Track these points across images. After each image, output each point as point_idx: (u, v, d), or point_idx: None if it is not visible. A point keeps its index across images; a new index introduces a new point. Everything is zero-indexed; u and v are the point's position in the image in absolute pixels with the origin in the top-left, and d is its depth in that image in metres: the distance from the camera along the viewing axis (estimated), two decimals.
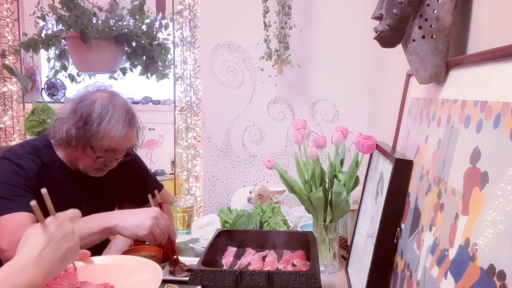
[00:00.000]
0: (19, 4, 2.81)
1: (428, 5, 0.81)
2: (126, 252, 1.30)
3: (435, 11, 0.79)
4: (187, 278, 1.00)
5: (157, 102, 3.29)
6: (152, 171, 2.51)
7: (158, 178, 2.04)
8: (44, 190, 0.78)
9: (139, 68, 2.73)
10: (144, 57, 2.66)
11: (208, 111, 2.31)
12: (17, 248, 0.74)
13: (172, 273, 1.19)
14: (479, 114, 0.63)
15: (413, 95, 1.07)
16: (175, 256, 1.25)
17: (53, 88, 3.45)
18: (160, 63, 2.70)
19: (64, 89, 3.47)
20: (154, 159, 3.26)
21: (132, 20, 2.56)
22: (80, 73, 2.83)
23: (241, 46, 2.21)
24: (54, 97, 3.46)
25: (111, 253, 1.35)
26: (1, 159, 1.29)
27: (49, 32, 2.58)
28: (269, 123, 2.25)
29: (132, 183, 1.55)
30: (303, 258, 1.13)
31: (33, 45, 2.53)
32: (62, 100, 3.41)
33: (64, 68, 2.76)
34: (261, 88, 2.22)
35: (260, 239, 1.21)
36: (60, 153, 1.38)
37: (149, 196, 1.36)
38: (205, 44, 2.27)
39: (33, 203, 0.75)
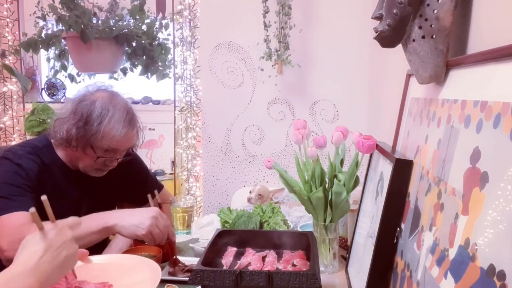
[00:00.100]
0: (19, 4, 2.81)
1: (428, 5, 0.81)
2: (126, 252, 1.30)
3: (435, 11, 0.79)
4: (187, 278, 1.00)
5: (157, 102, 3.29)
6: (152, 171, 2.51)
7: (158, 178, 2.04)
8: (44, 197, 0.78)
9: (139, 68, 2.74)
10: (144, 57, 2.66)
11: (208, 111, 2.31)
12: (16, 253, 0.74)
13: (172, 273, 1.19)
14: (479, 114, 0.63)
15: (413, 95, 1.07)
16: (175, 257, 1.25)
17: (53, 88, 3.45)
18: (160, 63, 2.71)
19: (64, 89, 3.48)
20: (154, 159, 3.26)
21: (132, 20, 2.56)
22: (80, 73, 2.83)
23: (241, 46, 2.21)
24: (54, 97, 3.46)
25: (111, 253, 1.35)
26: (1, 159, 1.29)
27: (49, 32, 2.58)
28: (269, 123, 2.25)
29: (132, 183, 1.55)
30: (303, 258, 1.13)
31: (33, 45, 2.53)
32: (62, 100, 3.41)
33: (64, 68, 2.76)
34: (261, 88, 2.22)
35: (260, 239, 1.21)
36: (60, 153, 1.38)
37: (149, 196, 1.36)
38: (205, 44, 2.27)
39: (32, 210, 0.75)
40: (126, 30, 2.50)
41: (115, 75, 2.83)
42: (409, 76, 1.14)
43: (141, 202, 1.52)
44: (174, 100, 2.51)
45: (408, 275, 0.81)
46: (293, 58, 2.09)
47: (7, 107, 2.83)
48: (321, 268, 1.21)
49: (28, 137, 2.65)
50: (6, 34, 2.75)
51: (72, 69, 2.81)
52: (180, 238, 1.48)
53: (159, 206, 1.36)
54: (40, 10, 2.55)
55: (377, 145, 1.17)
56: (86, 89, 1.38)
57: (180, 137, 2.48)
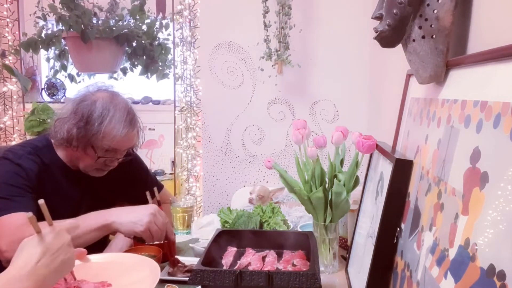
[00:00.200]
0: (19, 4, 2.81)
1: (428, 5, 0.81)
2: (126, 252, 1.30)
3: (435, 11, 0.79)
4: (187, 278, 1.00)
5: (157, 102, 3.29)
6: (152, 171, 2.52)
7: (158, 178, 2.04)
8: (41, 201, 0.78)
9: (139, 68, 2.74)
10: (144, 57, 2.66)
11: (208, 111, 2.31)
12: (13, 257, 0.74)
13: (172, 273, 1.19)
14: (479, 114, 0.63)
15: (413, 95, 1.07)
16: (175, 256, 1.25)
17: (53, 88, 3.45)
18: (160, 63, 2.71)
19: (64, 89, 3.48)
20: (154, 159, 3.26)
21: (132, 20, 2.56)
22: (79, 73, 2.83)
23: (241, 46, 2.21)
24: (54, 97, 3.46)
25: (111, 252, 1.35)
26: (1, 159, 1.29)
27: (49, 32, 2.58)
28: (269, 123, 2.25)
29: (132, 183, 1.55)
30: (303, 258, 1.13)
31: (33, 45, 2.53)
32: (62, 100, 3.41)
33: (63, 68, 2.76)
34: (261, 88, 2.22)
35: (260, 239, 1.21)
36: (60, 153, 1.38)
37: (147, 193, 1.36)
38: (205, 44, 2.27)
39: (29, 214, 0.75)
40: (127, 30, 2.50)
41: (115, 75, 2.83)
42: (409, 76, 1.14)
43: (141, 202, 1.52)
44: (174, 100, 2.51)
45: (408, 275, 0.81)
46: (293, 58, 2.09)
47: (7, 107, 2.83)
48: (321, 268, 1.21)
49: (28, 137, 2.65)
50: (6, 34, 2.75)
51: (72, 69, 2.81)
52: (180, 238, 1.48)
53: (158, 203, 1.36)
54: (41, 10, 2.55)
55: (377, 145, 1.17)
56: (87, 89, 1.38)
57: (180, 137, 2.48)
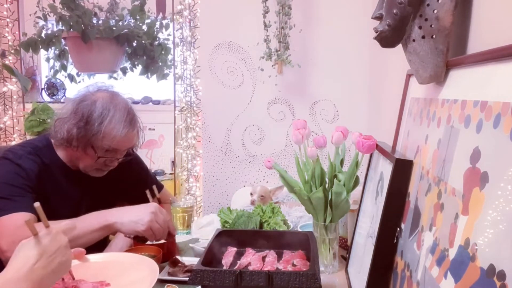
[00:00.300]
0: (19, 4, 2.81)
1: (428, 5, 0.81)
2: (125, 252, 1.30)
3: (435, 11, 0.79)
4: (187, 278, 1.00)
5: (157, 102, 3.29)
6: (152, 171, 2.51)
7: (158, 178, 2.04)
8: (37, 204, 0.78)
9: (139, 68, 2.74)
10: (144, 57, 2.66)
11: (208, 111, 2.31)
12: (10, 259, 0.74)
13: (172, 273, 1.19)
14: (479, 114, 0.63)
15: (413, 95, 1.07)
16: (175, 257, 1.25)
17: (53, 88, 3.45)
18: (160, 63, 2.71)
19: (64, 89, 3.47)
20: (154, 159, 3.26)
21: (132, 20, 2.56)
22: (79, 73, 2.83)
23: (241, 46, 2.21)
24: (54, 97, 3.46)
25: (111, 252, 1.35)
26: (1, 159, 1.29)
27: (49, 32, 2.58)
28: (269, 123, 2.25)
29: (132, 183, 1.55)
30: (303, 258, 1.13)
31: (33, 45, 2.53)
32: (62, 100, 3.41)
33: (63, 68, 2.76)
34: (261, 88, 2.22)
35: (260, 239, 1.21)
36: (60, 153, 1.38)
37: (147, 192, 1.36)
38: (205, 44, 2.27)
39: (26, 218, 0.75)
40: (127, 30, 2.50)
41: (115, 75, 2.84)
42: (409, 76, 1.14)
43: (141, 202, 1.52)
44: (174, 100, 2.51)
45: (408, 275, 0.81)
46: (293, 58, 2.09)
47: (7, 107, 2.83)
48: (321, 268, 1.21)
49: (28, 137, 2.65)
50: (6, 34, 2.75)
51: (71, 69, 2.81)
52: (180, 238, 1.48)
53: (158, 201, 1.36)
54: (41, 10, 2.55)
55: (377, 145, 1.17)
56: (87, 89, 1.38)
57: (180, 137, 2.48)
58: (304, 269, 1.04)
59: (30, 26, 2.66)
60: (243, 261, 1.11)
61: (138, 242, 1.33)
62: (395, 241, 0.92)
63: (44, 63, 3.26)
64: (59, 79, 3.35)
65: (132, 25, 2.56)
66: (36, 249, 0.74)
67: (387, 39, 0.87)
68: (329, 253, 1.24)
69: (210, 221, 1.58)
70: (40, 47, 2.55)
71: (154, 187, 1.39)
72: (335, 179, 1.20)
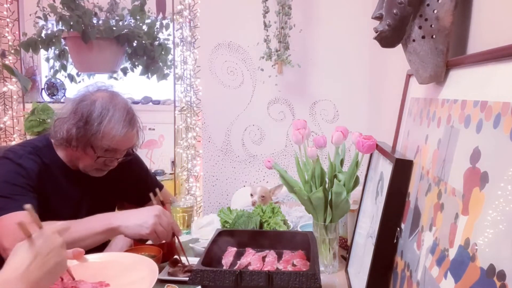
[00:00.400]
0: (19, 4, 2.81)
1: (428, 5, 0.81)
2: (125, 252, 1.29)
3: (435, 11, 0.79)
4: (187, 278, 1.00)
5: (157, 102, 3.29)
6: (152, 171, 2.51)
7: (158, 178, 2.04)
8: (28, 206, 0.79)
9: (139, 68, 2.74)
10: (145, 57, 2.66)
11: (208, 111, 2.31)
12: (6, 261, 0.75)
13: (172, 273, 1.19)
14: (479, 114, 0.63)
15: (413, 95, 1.07)
16: (175, 256, 1.25)
17: (53, 88, 3.45)
18: (161, 63, 2.71)
19: (64, 89, 3.48)
20: (154, 159, 3.26)
21: (132, 20, 2.56)
22: (79, 73, 2.83)
23: (241, 46, 2.21)
24: (54, 97, 3.46)
25: (111, 252, 1.35)
26: (1, 158, 1.29)
27: (49, 32, 2.58)
28: (269, 123, 2.25)
29: (132, 183, 1.56)
30: (303, 258, 1.13)
31: (33, 45, 2.53)
32: (62, 100, 3.41)
33: (63, 68, 2.76)
34: (261, 88, 2.22)
35: (260, 239, 1.21)
36: (60, 153, 1.38)
37: (151, 194, 1.36)
38: (205, 44, 2.27)
39: (18, 221, 0.75)
40: (127, 30, 2.50)
41: (115, 75, 2.84)
42: (409, 76, 1.14)
43: (141, 202, 1.52)
44: (174, 100, 2.51)
45: (408, 275, 0.81)
46: (293, 58, 2.09)
47: (7, 107, 2.83)
48: (321, 268, 1.21)
49: (28, 137, 2.65)
50: (6, 34, 2.75)
51: (71, 69, 2.81)
52: (180, 238, 1.48)
53: (162, 204, 1.36)
54: (42, 10, 2.55)
55: (377, 145, 1.17)
56: (86, 89, 1.38)
57: (180, 137, 2.48)
58: (304, 269, 1.04)
59: (30, 26, 2.66)
60: (243, 261, 1.11)
61: (138, 242, 1.33)
62: (395, 241, 0.92)
63: (44, 63, 3.26)
64: (59, 79, 3.35)
65: (132, 25, 2.56)
66: (30, 251, 0.74)
67: (387, 39, 0.87)
68: (329, 253, 1.24)
69: (210, 221, 1.58)
70: (40, 47, 2.55)
71: (157, 190, 1.39)
72: (335, 179, 1.20)
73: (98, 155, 1.33)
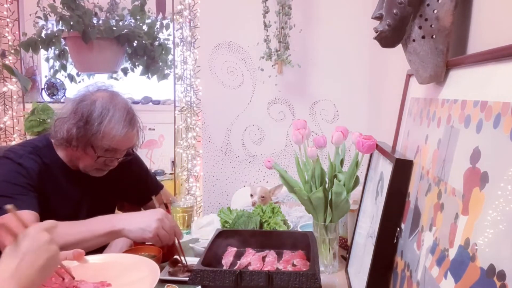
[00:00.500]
0: (19, 4, 2.81)
1: (428, 5, 0.81)
2: (126, 252, 1.30)
3: (435, 11, 0.79)
4: (187, 278, 1.00)
5: (157, 102, 3.29)
6: (152, 171, 2.51)
7: (158, 178, 2.03)
8: (9, 206, 0.79)
9: (139, 68, 2.74)
10: (145, 57, 2.66)
11: (208, 111, 2.31)
12: None
13: (172, 273, 1.19)
14: (479, 114, 0.63)
15: (413, 95, 1.07)
16: (175, 256, 1.25)
17: (53, 88, 3.45)
18: (161, 63, 2.71)
19: (64, 89, 3.48)
20: (154, 159, 3.26)
21: (133, 21, 2.56)
22: (79, 73, 2.83)
23: (241, 46, 2.21)
24: (54, 97, 3.46)
25: (111, 253, 1.35)
26: (2, 158, 1.30)
27: (49, 32, 2.58)
28: (269, 123, 2.25)
29: (132, 183, 1.56)
30: (303, 258, 1.13)
31: (33, 45, 2.53)
32: (62, 100, 3.41)
33: (63, 68, 2.76)
34: (261, 88, 2.22)
35: (260, 239, 1.20)
36: (60, 153, 1.38)
37: (153, 198, 1.36)
38: (205, 44, 2.27)
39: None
40: (127, 30, 2.50)
41: (115, 75, 2.84)
42: (409, 76, 1.14)
43: (141, 202, 1.53)
44: (174, 100, 2.51)
45: (408, 275, 0.81)
46: (293, 58, 2.09)
47: (7, 107, 2.83)
48: (321, 268, 1.21)
49: (28, 137, 2.65)
50: (6, 34, 2.75)
51: (71, 69, 2.81)
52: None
53: (165, 206, 1.36)
54: (42, 10, 2.55)
55: (377, 145, 1.17)
56: (87, 89, 1.38)
57: (180, 137, 2.48)
58: (304, 269, 1.04)
59: (30, 26, 2.66)
60: (243, 261, 1.11)
61: (138, 242, 1.33)
62: (395, 241, 0.92)
63: (44, 63, 3.26)
64: (59, 79, 3.35)
65: (132, 25, 2.56)
66: (16, 252, 0.74)
67: (387, 39, 0.87)
68: (329, 253, 1.24)
69: (210, 221, 1.58)
70: (40, 47, 2.55)
71: (161, 192, 1.39)
72: (335, 179, 1.20)
73: (98, 155, 1.33)
